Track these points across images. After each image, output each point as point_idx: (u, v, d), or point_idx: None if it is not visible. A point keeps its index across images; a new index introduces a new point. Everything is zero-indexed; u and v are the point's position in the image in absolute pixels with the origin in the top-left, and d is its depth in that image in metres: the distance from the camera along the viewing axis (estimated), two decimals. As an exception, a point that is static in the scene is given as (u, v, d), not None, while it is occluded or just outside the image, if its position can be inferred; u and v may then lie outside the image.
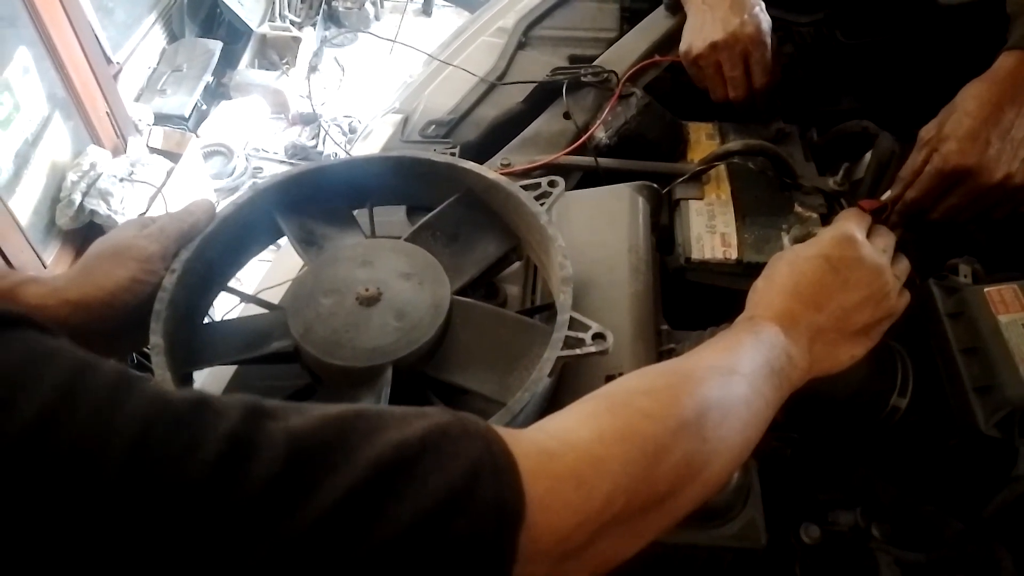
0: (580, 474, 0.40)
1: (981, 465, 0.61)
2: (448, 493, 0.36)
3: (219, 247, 0.68)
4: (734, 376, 0.49)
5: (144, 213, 2.32)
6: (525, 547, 0.37)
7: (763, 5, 0.95)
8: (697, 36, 0.95)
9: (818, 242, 0.62)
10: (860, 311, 0.59)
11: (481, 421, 0.40)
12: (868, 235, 0.64)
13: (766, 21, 0.94)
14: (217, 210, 0.68)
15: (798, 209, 0.82)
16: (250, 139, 2.98)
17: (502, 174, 0.72)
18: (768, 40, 0.93)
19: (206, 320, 0.70)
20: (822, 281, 0.58)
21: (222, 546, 0.32)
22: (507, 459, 0.38)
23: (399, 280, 0.64)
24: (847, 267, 0.59)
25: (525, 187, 0.70)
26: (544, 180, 0.70)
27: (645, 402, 0.45)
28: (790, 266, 0.60)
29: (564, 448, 0.41)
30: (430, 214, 0.72)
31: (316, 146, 3.00)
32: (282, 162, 2.94)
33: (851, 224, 0.63)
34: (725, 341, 0.53)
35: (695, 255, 0.78)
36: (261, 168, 2.92)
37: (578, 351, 0.57)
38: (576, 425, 0.44)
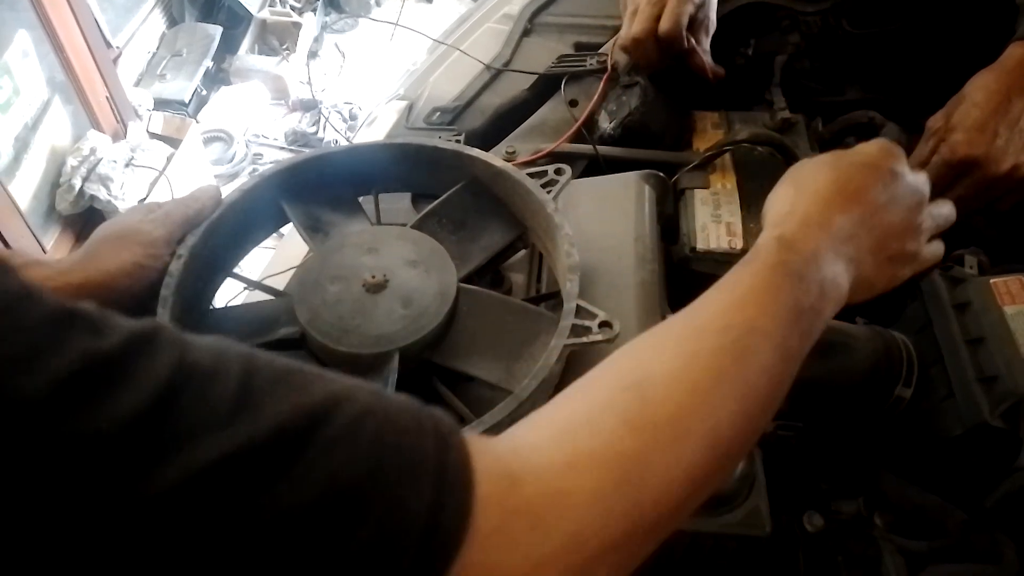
0: (537, 511, 0.34)
1: (985, 455, 0.61)
2: (355, 488, 0.30)
3: (225, 233, 0.68)
4: (753, 335, 0.41)
5: (144, 199, 2.31)
6: None
7: None
8: None
9: (861, 150, 0.54)
10: (898, 235, 0.51)
11: (452, 422, 0.34)
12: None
13: None
14: (222, 196, 0.68)
15: (804, 199, 0.82)
16: (250, 125, 2.97)
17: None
18: None
19: (211, 306, 0.70)
20: (869, 189, 0.50)
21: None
22: (461, 474, 0.32)
23: (405, 267, 0.64)
24: (893, 179, 0.51)
25: (532, 175, 0.69)
26: (551, 168, 0.70)
27: (633, 403, 0.38)
28: (830, 168, 0.51)
29: (528, 475, 0.34)
30: (436, 201, 0.72)
31: (316, 132, 2.99)
32: (282, 148, 2.93)
33: (893, 141, 0.56)
34: (746, 280, 0.45)
35: (700, 245, 0.78)
36: (261, 154, 2.91)
37: (585, 339, 0.57)
38: (548, 443, 0.37)
